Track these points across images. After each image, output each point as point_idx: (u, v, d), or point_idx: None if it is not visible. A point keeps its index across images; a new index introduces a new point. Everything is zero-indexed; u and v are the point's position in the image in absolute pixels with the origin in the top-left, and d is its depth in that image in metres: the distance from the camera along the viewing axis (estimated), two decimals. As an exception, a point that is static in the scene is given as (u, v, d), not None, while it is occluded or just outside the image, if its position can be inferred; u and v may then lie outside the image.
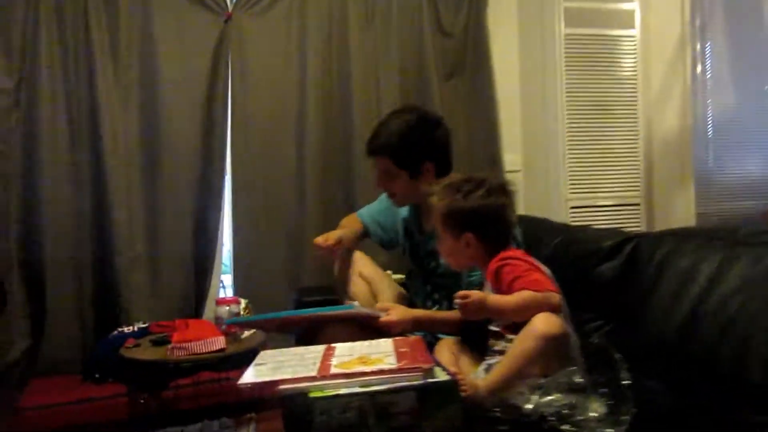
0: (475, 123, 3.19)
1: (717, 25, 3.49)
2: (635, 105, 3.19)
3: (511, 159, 3.23)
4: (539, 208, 2.98)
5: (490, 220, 1.46)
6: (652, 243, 1.66)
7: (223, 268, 3.10)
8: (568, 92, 3.07)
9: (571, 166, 3.09)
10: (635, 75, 3.17)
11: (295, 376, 1.11)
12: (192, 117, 2.83)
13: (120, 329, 2.42)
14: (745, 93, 3.54)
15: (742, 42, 3.53)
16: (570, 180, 3.09)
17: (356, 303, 1.76)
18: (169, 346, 2.03)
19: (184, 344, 2.02)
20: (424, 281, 1.89)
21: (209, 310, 2.79)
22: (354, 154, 2.94)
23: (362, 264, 1.96)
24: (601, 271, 1.75)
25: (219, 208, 2.88)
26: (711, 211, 3.43)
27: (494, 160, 3.16)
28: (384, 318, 1.62)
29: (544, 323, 1.23)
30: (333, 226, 2.02)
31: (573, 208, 3.09)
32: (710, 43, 3.46)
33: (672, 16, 3.28)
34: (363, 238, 2.04)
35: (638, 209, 3.22)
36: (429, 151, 1.80)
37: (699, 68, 3.41)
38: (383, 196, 1.97)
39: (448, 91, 3.16)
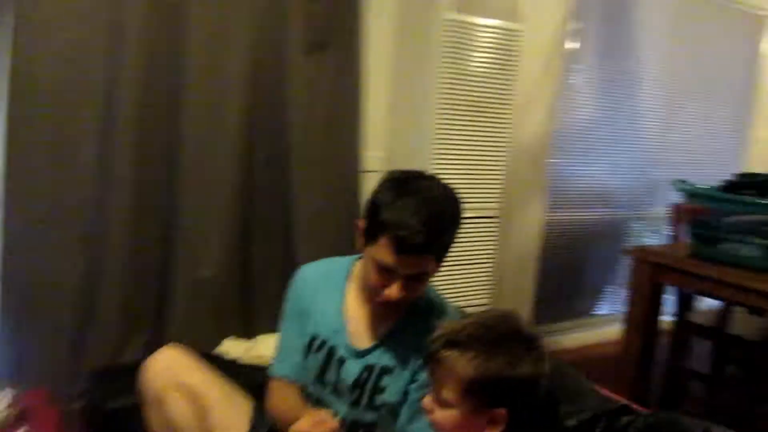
0: (337, 109, 2.54)
1: (590, 31, 3.16)
2: (509, 108, 2.76)
3: (373, 156, 2.65)
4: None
5: (536, 396, 1.05)
6: None
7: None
8: (442, 86, 2.53)
9: (437, 171, 2.60)
10: (513, 76, 2.72)
11: None
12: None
13: None
14: (601, 104, 3.34)
15: (606, 52, 3.28)
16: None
17: None
18: None
19: None
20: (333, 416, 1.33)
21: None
22: (185, 146, 2.14)
23: (183, 366, 1.32)
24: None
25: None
26: (559, 219, 3.22)
27: (354, 155, 2.57)
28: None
29: None
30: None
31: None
32: (582, 45, 3.13)
33: (551, 15, 2.86)
34: None
35: (496, 222, 2.87)
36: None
37: (566, 75, 3.11)
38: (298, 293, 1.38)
39: (310, 68, 2.45)
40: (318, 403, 1.33)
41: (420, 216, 1.13)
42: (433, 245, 1.16)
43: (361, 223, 1.23)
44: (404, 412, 1.25)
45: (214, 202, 2.15)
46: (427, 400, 1.07)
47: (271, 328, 2.02)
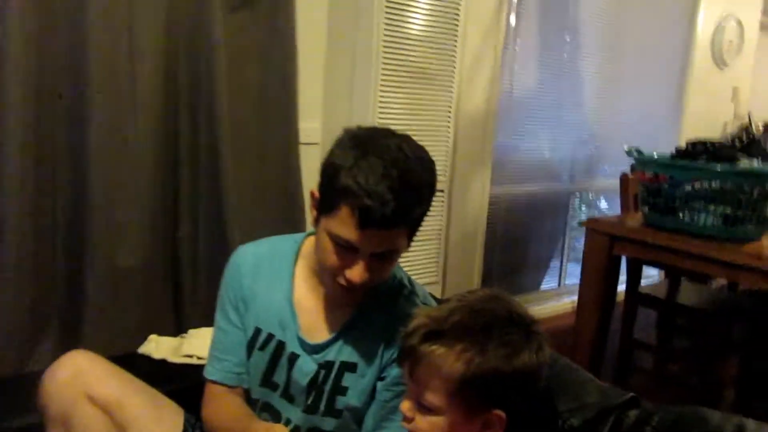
0: (268, 73, 2.26)
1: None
2: (453, 77, 2.57)
3: (309, 128, 2.39)
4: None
5: (537, 392, 0.87)
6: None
7: None
8: (383, 49, 2.31)
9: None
10: (455, 43, 2.53)
11: None
12: None
13: None
14: (544, 73, 3.20)
15: (551, 17, 3.13)
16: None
17: None
18: None
19: None
20: (285, 424, 1.10)
21: None
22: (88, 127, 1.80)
23: (93, 375, 1.06)
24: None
25: None
26: (502, 192, 3.08)
27: (290, 125, 2.30)
28: None
29: None
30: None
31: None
32: (522, 15, 2.98)
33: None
34: None
35: (442, 196, 2.70)
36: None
37: (510, 41, 2.95)
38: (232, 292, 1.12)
39: (236, 27, 2.16)
40: (266, 409, 1.10)
41: (389, 181, 0.89)
42: (405, 217, 0.93)
43: (316, 194, 0.99)
44: (370, 417, 1.04)
45: (130, 177, 1.84)
46: (406, 406, 0.86)
47: (203, 321, 1.76)
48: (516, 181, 3.17)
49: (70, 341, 1.77)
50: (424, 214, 0.97)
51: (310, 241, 1.10)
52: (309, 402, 1.05)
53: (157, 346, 1.49)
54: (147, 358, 1.48)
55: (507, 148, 3.09)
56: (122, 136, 1.82)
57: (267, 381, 1.08)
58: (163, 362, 1.46)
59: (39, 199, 1.72)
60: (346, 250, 0.94)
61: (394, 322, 1.03)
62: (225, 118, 2.00)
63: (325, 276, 1.00)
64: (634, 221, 2.30)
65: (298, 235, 1.14)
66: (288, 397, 1.07)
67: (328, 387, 1.04)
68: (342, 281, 0.96)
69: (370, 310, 1.06)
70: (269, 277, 1.09)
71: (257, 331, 1.08)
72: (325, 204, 0.95)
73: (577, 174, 3.46)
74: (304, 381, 1.04)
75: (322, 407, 1.05)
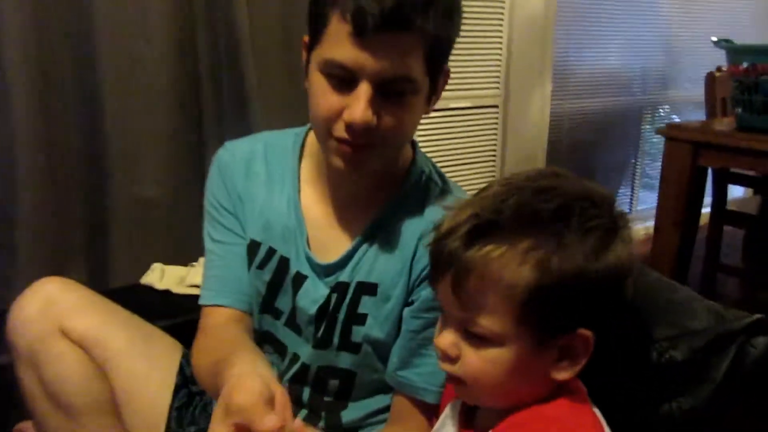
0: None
1: None
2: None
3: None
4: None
5: (627, 302, 0.61)
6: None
7: None
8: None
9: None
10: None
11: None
12: None
13: None
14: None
15: None
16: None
17: None
18: None
19: None
20: (291, 360, 0.87)
21: None
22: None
23: (67, 306, 0.87)
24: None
25: None
26: (565, 110, 2.72)
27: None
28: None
29: None
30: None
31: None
32: None
33: None
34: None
35: (496, 112, 2.38)
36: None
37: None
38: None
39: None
40: (268, 340, 0.87)
41: None
42: (411, 16, 0.66)
43: (306, 37, 0.75)
44: (397, 352, 0.80)
45: (147, 101, 1.64)
46: (447, 341, 0.59)
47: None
48: (580, 96, 2.79)
49: (98, 279, 1.64)
50: (444, 30, 0.70)
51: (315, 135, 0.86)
52: (319, 335, 0.82)
53: (163, 276, 1.30)
54: (149, 289, 1.29)
55: (569, 59, 2.71)
56: (138, 57, 1.60)
57: (268, 307, 0.85)
58: (166, 293, 1.27)
59: (51, 132, 1.54)
60: (342, 85, 0.69)
61: (422, 229, 0.78)
62: (245, 31, 1.74)
63: (323, 138, 0.74)
64: (723, 125, 1.93)
65: (299, 129, 0.89)
66: (294, 327, 0.84)
67: (342, 315, 0.81)
68: (341, 132, 0.70)
69: (392, 216, 0.80)
70: (268, 179, 0.85)
71: (254, 245, 0.85)
72: (314, 29, 0.71)
73: (650, 87, 3.03)
74: (312, 309, 0.81)
75: (335, 340, 0.81)
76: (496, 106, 2.38)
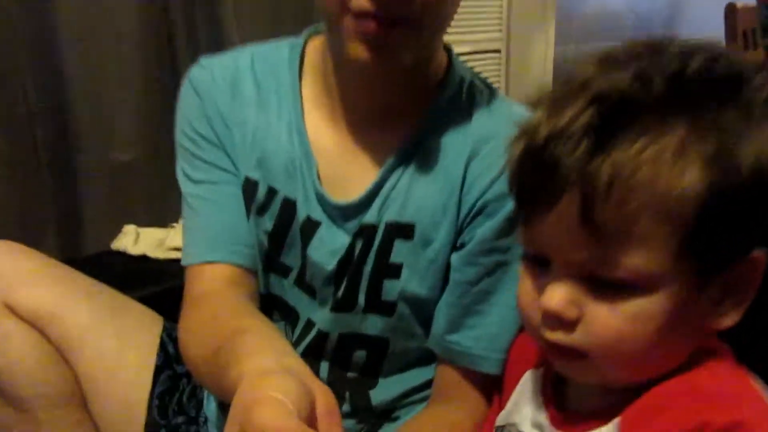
0: None
1: None
2: None
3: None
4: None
5: None
6: None
7: None
8: None
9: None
10: None
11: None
12: None
13: None
14: None
15: None
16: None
17: None
18: None
19: None
20: (305, 329, 0.67)
21: None
22: None
23: (15, 276, 0.67)
24: None
25: None
26: (569, 54, 2.55)
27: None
28: None
29: None
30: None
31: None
32: None
33: None
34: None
35: (498, 57, 2.19)
36: None
37: None
38: None
39: None
40: (275, 305, 0.68)
41: None
42: None
43: None
44: (443, 312, 0.61)
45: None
46: (562, 297, 0.40)
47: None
48: (585, 39, 2.60)
49: (71, 247, 1.45)
50: None
51: (316, 44, 0.65)
52: (340, 294, 0.63)
53: (137, 240, 1.10)
54: (121, 255, 1.09)
55: (572, 1, 2.53)
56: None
57: (273, 264, 0.66)
58: (142, 259, 1.07)
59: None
60: None
61: (471, 148, 0.59)
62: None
63: (336, 18, 0.52)
64: (751, 58, 1.76)
65: (295, 39, 0.68)
66: (306, 287, 0.65)
67: (369, 267, 0.61)
68: (362, 3, 0.49)
69: (428, 135, 0.61)
70: (260, 100, 0.65)
71: (250, 185, 0.64)
72: None
73: (656, 28, 2.86)
74: (330, 263, 0.62)
75: (361, 300, 0.62)
76: (498, 51, 2.19)
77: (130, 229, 1.12)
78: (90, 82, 1.41)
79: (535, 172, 0.40)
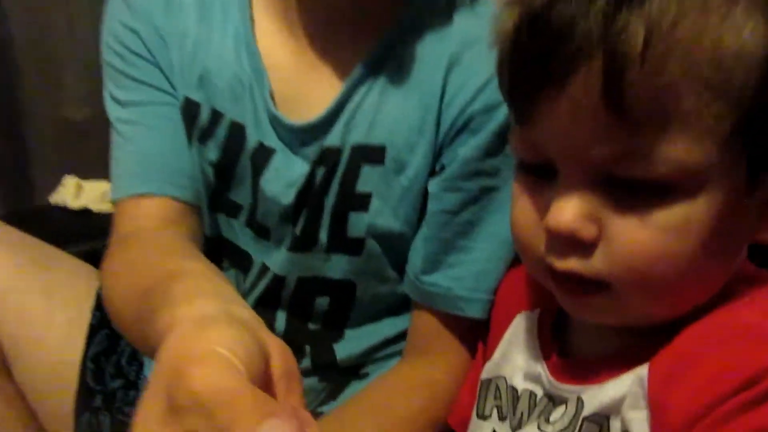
0: None
1: None
2: None
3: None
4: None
5: None
6: None
7: None
8: None
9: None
10: None
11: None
12: None
13: None
14: None
15: None
16: None
17: None
18: None
19: None
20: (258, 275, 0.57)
21: None
22: None
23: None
24: None
25: None
26: None
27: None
28: None
29: None
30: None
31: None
32: None
33: None
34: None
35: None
36: None
37: None
38: None
39: None
40: (224, 250, 0.59)
41: None
42: None
43: None
44: (422, 245, 0.52)
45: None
46: (576, 210, 0.31)
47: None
48: None
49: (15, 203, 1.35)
50: None
51: None
52: (298, 231, 0.53)
53: (79, 192, 0.99)
54: (60, 209, 0.98)
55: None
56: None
57: (218, 201, 0.56)
58: (84, 213, 0.96)
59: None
60: None
61: (451, 54, 0.50)
62: None
63: None
64: None
65: None
66: (259, 227, 0.55)
67: (331, 199, 0.52)
68: None
69: (399, 43, 0.51)
70: (200, 9, 0.54)
71: (190, 107, 0.54)
72: None
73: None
74: (287, 197, 0.52)
75: (323, 237, 0.53)
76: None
77: (70, 181, 1.01)
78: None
79: (537, 45, 0.31)
